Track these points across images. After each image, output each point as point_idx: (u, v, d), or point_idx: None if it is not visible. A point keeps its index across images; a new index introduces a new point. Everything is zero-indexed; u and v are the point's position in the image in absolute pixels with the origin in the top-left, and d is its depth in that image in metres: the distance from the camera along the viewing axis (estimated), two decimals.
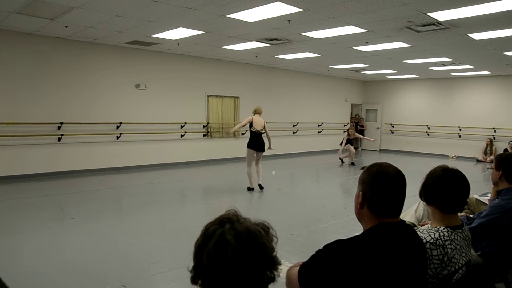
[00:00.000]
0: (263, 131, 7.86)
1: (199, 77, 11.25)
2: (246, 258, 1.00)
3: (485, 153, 13.79)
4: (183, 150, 11.05)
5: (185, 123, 10.97)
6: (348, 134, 12.29)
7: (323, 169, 11.69)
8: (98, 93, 9.33)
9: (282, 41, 8.32)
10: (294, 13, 5.98)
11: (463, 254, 1.87)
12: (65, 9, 6.13)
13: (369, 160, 13.51)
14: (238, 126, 8.06)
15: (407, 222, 1.67)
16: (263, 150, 7.81)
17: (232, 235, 1.02)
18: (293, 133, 14.02)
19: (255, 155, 7.79)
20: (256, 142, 7.73)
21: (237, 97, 12.34)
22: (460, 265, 1.83)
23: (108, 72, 9.48)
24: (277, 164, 11.19)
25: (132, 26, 7.19)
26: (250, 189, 7.73)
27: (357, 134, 12.88)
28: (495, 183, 2.87)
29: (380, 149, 17.00)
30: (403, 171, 1.61)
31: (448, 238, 1.83)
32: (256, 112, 7.91)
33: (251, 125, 7.76)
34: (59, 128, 8.71)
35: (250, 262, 1.01)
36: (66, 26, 7.33)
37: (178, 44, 8.91)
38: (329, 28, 6.98)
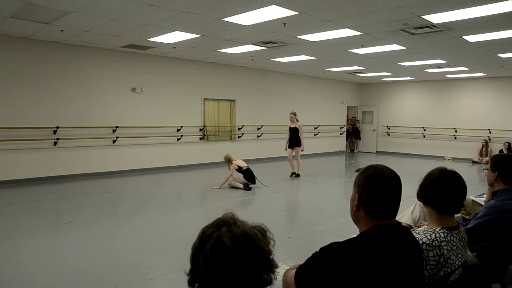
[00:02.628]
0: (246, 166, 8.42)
1: (195, 81, 11.26)
2: (243, 261, 1.00)
3: (481, 154, 13.86)
4: (179, 154, 11.04)
5: (182, 126, 10.97)
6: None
7: (319, 172, 11.70)
8: (94, 97, 9.31)
9: (278, 44, 8.35)
10: (289, 16, 6.00)
11: (459, 255, 1.88)
12: (60, 13, 6.12)
13: (365, 162, 13.54)
14: (228, 178, 8.35)
15: (403, 224, 1.68)
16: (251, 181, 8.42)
17: (228, 238, 1.02)
18: None
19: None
20: (250, 176, 8.36)
21: (233, 101, 12.35)
22: (456, 266, 1.84)
23: (104, 76, 9.47)
24: (273, 167, 11.20)
25: (128, 30, 7.19)
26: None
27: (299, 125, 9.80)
28: (491, 184, 2.88)
29: (377, 151, 17.06)
30: (399, 173, 1.62)
31: (444, 239, 1.83)
32: (230, 160, 8.48)
33: (240, 169, 8.35)
34: (55, 132, 8.68)
35: (247, 265, 1.01)
36: (62, 30, 7.32)
37: (174, 47, 8.92)
38: (325, 31, 7.01)
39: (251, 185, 8.34)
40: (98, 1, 5.46)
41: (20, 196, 7.28)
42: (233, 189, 8.17)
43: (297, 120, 9.90)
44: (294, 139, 9.91)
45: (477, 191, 4.79)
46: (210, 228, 1.08)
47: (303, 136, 9.93)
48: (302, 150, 9.96)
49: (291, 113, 9.99)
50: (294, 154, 9.96)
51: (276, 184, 9.02)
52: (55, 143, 8.72)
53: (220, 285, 1.01)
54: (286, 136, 10.15)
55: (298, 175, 9.88)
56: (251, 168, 8.47)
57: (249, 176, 8.35)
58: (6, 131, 8.01)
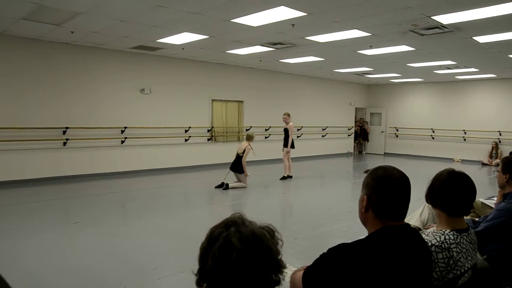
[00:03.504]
0: (241, 155, 8.47)
1: (203, 82, 11.29)
2: (251, 261, 1.00)
3: (491, 156, 13.71)
4: (187, 154, 11.07)
5: (190, 127, 11.00)
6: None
7: (327, 173, 11.67)
8: (103, 98, 9.39)
9: (286, 45, 8.34)
10: (298, 17, 5.99)
11: (469, 258, 1.86)
12: (71, 14, 6.18)
13: (373, 163, 13.44)
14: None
15: (412, 226, 1.66)
16: (236, 171, 8.52)
17: (237, 238, 1.02)
18: (297, 137, 14.00)
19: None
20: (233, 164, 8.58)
21: (241, 101, 12.37)
22: (465, 268, 1.82)
23: (113, 76, 9.54)
24: (280, 168, 11.17)
25: (137, 31, 7.24)
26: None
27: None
28: (502, 187, 2.85)
29: (385, 153, 16.96)
30: (407, 175, 1.61)
31: (453, 241, 1.82)
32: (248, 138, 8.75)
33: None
34: (64, 132, 8.76)
35: (256, 265, 1.01)
36: (72, 32, 7.40)
37: (183, 48, 8.96)
38: (333, 32, 6.99)
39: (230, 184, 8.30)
40: (108, 3, 5.50)
41: (29, 195, 7.36)
42: (241, 189, 8.18)
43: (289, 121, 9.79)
44: (285, 140, 9.84)
45: (487, 193, 4.74)
46: (218, 228, 1.08)
47: (291, 137, 9.77)
48: (288, 152, 9.79)
49: (284, 114, 9.89)
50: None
51: (283, 185, 9.02)
52: (64, 144, 8.80)
53: (229, 285, 1.01)
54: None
55: (284, 178, 9.70)
56: (240, 155, 8.45)
57: (233, 164, 8.51)
58: (16, 131, 8.10)
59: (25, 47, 8.14)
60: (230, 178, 8.51)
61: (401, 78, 14.44)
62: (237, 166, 8.39)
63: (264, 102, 12.96)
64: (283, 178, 9.70)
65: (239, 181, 8.42)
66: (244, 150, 8.37)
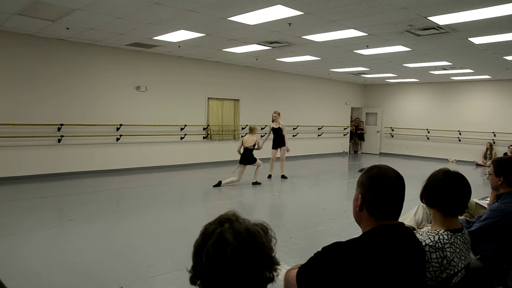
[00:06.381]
0: (251, 148, 8.56)
1: (199, 80, 11.27)
2: (245, 258, 1.00)
3: (485, 157, 13.78)
4: (183, 152, 11.05)
5: (185, 125, 10.98)
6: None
7: (322, 172, 11.69)
8: (99, 95, 9.34)
9: (282, 44, 8.34)
10: (295, 16, 6.00)
11: (463, 258, 1.87)
12: (66, 10, 6.15)
13: (368, 163, 13.47)
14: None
15: (406, 225, 1.67)
16: (248, 163, 8.58)
17: (231, 234, 1.02)
18: (293, 136, 14.02)
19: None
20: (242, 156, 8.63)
21: (237, 100, 12.36)
22: (459, 268, 1.83)
23: (109, 74, 9.49)
24: (277, 167, 11.18)
25: (133, 28, 7.21)
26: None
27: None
28: (495, 188, 2.85)
29: (380, 153, 17.01)
30: (402, 175, 1.61)
31: (447, 241, 1.82)
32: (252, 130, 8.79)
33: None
34: (59, 129, 8.72)
35: (249, 262, 1.01)
36: (68, 28, 7.35)
37: (179, 46, 8.93)
38: (330, 31, 7.00)
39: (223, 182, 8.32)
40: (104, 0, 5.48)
41: (24, 192, 7.32)
42: (236, 188, 8.17)
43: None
44: (279, 140, 9.68)
45: (481, 193, 4.76)
46: (212, 225, 1.08)
47: (287, 136, 9.74)
48: (288, 151, 9.76)
49: (275, 112, 9.69)
50: (279, 155, 9.69)
51: (279, 184, 9.03)
52: (59, 140, 8.75)
53: (223, 281, 1.01)
54: (266, 136, 9.92)
55: (284, 177, 9.64)
56: (249, 148, 8.50)
57: (243, 158, 8.53)
58: (11, 127, 8.05)
59: (19, 43, 8.08)
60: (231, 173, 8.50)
61: (397, 78, 14.49)
62: (247, 158, 8.49)
63: (260, 101, 12.95)
64: (283, 176, 9.67)
65: (240, 174, 8.48)
66: (255, 144, 8.51)
